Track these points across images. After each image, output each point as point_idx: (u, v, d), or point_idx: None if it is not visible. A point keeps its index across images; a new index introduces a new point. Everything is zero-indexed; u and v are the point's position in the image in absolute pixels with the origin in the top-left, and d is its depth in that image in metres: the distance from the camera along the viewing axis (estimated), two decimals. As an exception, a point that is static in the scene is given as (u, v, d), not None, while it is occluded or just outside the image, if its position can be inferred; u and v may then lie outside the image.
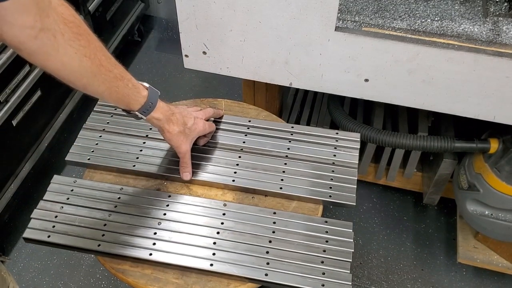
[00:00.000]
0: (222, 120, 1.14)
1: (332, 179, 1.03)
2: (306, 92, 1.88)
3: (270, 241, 0.93)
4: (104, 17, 2.11)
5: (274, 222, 0.96)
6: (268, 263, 0.89)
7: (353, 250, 0.91)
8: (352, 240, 0.93)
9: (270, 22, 1.15)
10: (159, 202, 0.99)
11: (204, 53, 1.27)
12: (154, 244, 0.92)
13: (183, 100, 1.23)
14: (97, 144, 1.09)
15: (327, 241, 0.93)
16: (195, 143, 1.05)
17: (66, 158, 1.07)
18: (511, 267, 1.56)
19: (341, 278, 0.87)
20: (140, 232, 0.94)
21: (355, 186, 1.02)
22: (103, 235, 0.93)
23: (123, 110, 0.92)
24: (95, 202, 0.98)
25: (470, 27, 1.14)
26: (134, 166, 1.05)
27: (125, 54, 2.45)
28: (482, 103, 1.16)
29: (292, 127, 1.13)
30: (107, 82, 0.82)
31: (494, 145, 1.35)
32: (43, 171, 1.82)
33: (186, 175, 1.02)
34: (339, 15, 1.14)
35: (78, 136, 1.11)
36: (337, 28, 1.12)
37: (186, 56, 1.30)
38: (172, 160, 1.06)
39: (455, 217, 1.71)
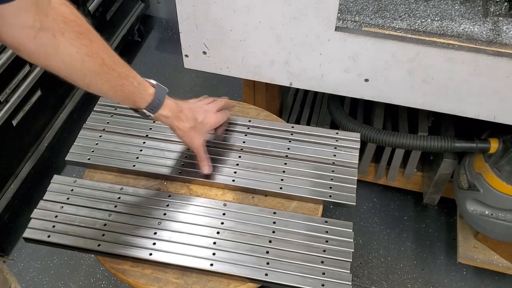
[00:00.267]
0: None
1: (332, 179, 1.03)
2: (306, 92, 1.88)
3: (270, 241, 0.93)
4: (104, 17, 2.11)
5: (274, 222, 0.96)
6: (268, 263, 0.89)
7: (353, 250, 0.92)
8: (352, 240, 0.93)
9: (270, 22, 1.15)
10: (159, 202, 0.99)
11: (204, 53, 1.27)
12: (154, 244, 0.92)
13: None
14: (97, 144, 1.09)
15: (327, 241, 0.93)
16: (215, 133, 1.07)
17: (66, 158, 1.07)
18: (511, 267, 1.56)
19: (341, 278, 0.87)
20: (140, 232, 0.94)
21: (355, 186, 1.02)
22: (103, 235, 0.93)
23: (131, 108, 0.91)
24: (95, 202, 0.98)
25: (470, 27, 1.14)
26: (134, 166, 1.05)
27: (125, 54, 2.45)
28: (482, 103, 1.16)
29: (292, 127, 1.13)
30: (111, 81, 0.82)
31: (494, 145, 1.35)
32: (43, 171, 1.82)
33: (206, 168, 1.02)
34: (339, 15, 1.14)
35: (78, 136, 1.11)
36: (337, 28, 1.12)
37: (186, 56, 1.30)
38: (172, 160, 1.06)
39: (455, 217, 1.70)
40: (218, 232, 0.94)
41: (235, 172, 1.04)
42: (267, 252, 0.91)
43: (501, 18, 1.15)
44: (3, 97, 1.53)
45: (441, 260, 1.73)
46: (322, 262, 0.90)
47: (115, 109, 1.16)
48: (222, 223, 0.96)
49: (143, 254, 0.90)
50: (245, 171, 1.04)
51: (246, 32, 1.19)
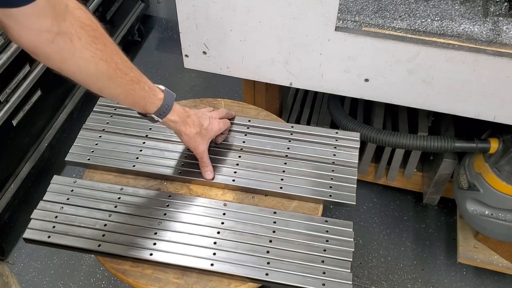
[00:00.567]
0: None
1: (332, 178, 1.03)
2: (306, 92, 1.88)
3: (270, 241, 0.93)
4: (104, 17, 2.11)
5: (275, 222, 0.96)
6: (268, 263, 0.89)
7: (353, 250, 0.91)
8: (352, 240, 0.93)
9: (270, 22, 1.15)
10: (159, 202, 0.99)
11: (204, 53, 1.27)
12: (154, 244, 0.92)
13: (183, 100, 1.22)
14: (97, 144, 1.09)
15: (327, 241, 0.93)
16: (214, 141, 1.07)
17: (66, 158, 1.07)
18: (511, 267, 1.56)
19: (341, 278, 0.87)
20: (141, 232, 0.94)
21: (355, 186, 1.02)
22: (103, 235, 0.93)
23: (139, 113, 0.92)
24: (95, 202, 0.98)
25: (470, 27, 1.14)
26: (134, 166, 1.05)
27: (125, 54, 2.44)
28: (482, 103, 1.16)
29: (292, 126, 1.13)
30: (123, 85, 0.82)
31: (494, 145, 1.35)
32: (43, 171, 1.82)
33: (208, 174, 1.02)
34: (339, 15, 1.14)
35: (78, 136, 1.11)
36: (337, 28, 1.12)
37: (186, 56, 1.30)
38: (172, 160, 1.06)
39: (455, 217, 1.71)
40: (218, 232, 0.94)
41: (235, 172, 1.04)
42: (268, 252, 0.91)
43: (501, 18, 1.15)
44: (3, 97, 1.53)
45: (441, 260, 1.73)
46: (323, 261, 0.90)
47: (115, 109, 1.16)
48: (223, 223, 0.96)
49: (144, 254, 0.90)
50: (245, 171, 1.04)
51: (246, 32, 1.19)
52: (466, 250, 1.58)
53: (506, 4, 1.18)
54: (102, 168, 1.06)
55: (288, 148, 1.08)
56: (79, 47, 0.71)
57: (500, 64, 1.08)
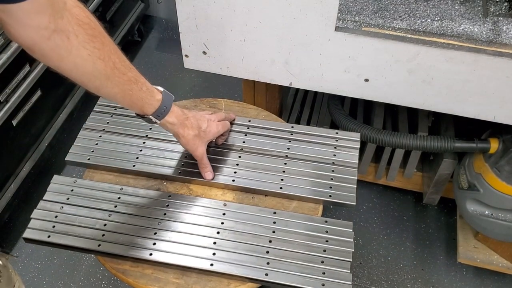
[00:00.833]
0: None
1: (332, 179, 1.03)
2: (306, 92, 1.88)
3: (270, 241, 0.93)
4: (104, 17, 2.11)
5: (274, 222, 0.96)
6: (268, 263, 0.89)
7: (353, 250, 0.92)
8: (352, 240, 0.93)
9: (270, 22, 1.15)
10: (159, 202, 0.99)
11: (204, 53, 1.27)
12: (154, 244, 0.92)
13: (183, 100, 1.23)
14: (97, 144, 1.09)
15: (327, 241, 0.93)
16: (214, 143, 1.07)
17: (66, 158, 1.07)
18: (511, 267, 1.56)
19: (341, 278, 0.87)
20: (140, 232, 0.94)
21: (355, 186, 1.02)
22: (103, 235, 0.93)
23: (137, 114, 0.92)
24: (95, 202, 0.98)
25: (470, 27, 1.14)
26: (134, 166, 1.05)
27: (125, 54, 2.44)
28: (482, 103, 1.16)
29: (292, 127, 1.13)
30: (121, 85, 0.82)
31: (494, 145, 1.35)
32: (43, 171, 1.82)
33: (208, 174, 1.02)
34: (339, 15, 1.14)
35: (78, 136, 1.11)
36: (337, 28, 1.12)
37: (186, 56, 1.30)
38: (172, 160, 1.06)
39: (455, 217, 1.71)
40: (218, 232, 0.94)
41: (235, 172, 1.04)
42: (267, 252, 0.91)
43: (501, 18, 1.15)
44: (3, 97, 1.53)
45: (441, 260, 1.73)
46: (322, 262, 0.90)
47: (115, 109, 1.16)
48: (222, 223, 0.96)
49: (143, 254, 0.90)
50: (245, 171, 1.04)
51: (246, 32, 1.19)
52: (466, 250, 1.58)
53: (506, 4, 1.18)
54: (102, 168, 1.06)
55: (288, 148, 1.08)
56: (76, 45, 0.71)
57: (500, 64, 1.08)
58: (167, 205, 0.98)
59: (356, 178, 1.03)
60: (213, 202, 0.99)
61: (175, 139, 1.04)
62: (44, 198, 0.99)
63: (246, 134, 1.12)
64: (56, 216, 0.96)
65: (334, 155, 1.07)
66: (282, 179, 1.02)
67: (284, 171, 1.04)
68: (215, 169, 1.04)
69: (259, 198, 1.02)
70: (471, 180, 1.41)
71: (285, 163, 1.06)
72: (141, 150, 1.07)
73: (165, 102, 0.91)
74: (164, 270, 0.91)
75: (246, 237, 0.93)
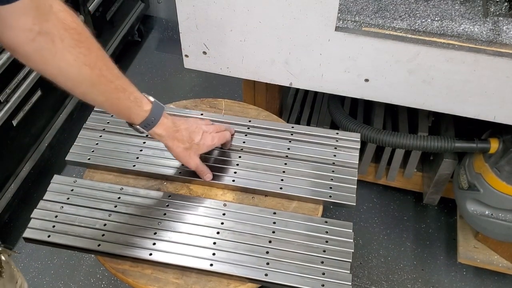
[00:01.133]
0: (223, 120, 1.14)
1: (332, 179, 1.03)
2: (306, 92, 1.88)
3: (270, 241, 0.92)
4: (104, 17, 2.11)
5: (274, 222, 0.95)
6: (268, 263, 0.89)
7: (353, 250, 0.91)
8: (352, 240, 0.93)
9: (270, 22, 1.15)
10: (159, 202, 0.99)
11: (204, 53, 1.27)
12: (154, 244, 0.92)
13: (183, 100, 1.23)
14: (97, 144, 1.09)
15: (327, 241, 0.93)
16: (221, 148, 1.07)
17: (66, 158, 1.07)
18: (511, 267, 1.56)
19: (341, 278, 0.87)
20: (140, 232, 0.94)
21: (355, 186, 1.02)
22: (103, 235, 0.93)
23: (126, 122, 0.91)
24: (95, 202, 0.98)
25: (470, 27, 1.14)
26: (134, 166, 1.05)
27: (125, 54, 2.45)
28: (482, 103, 1.16)
29: (292, 127, 1.13)
30: (108, 93, 0.81)
31: (494, 145, 1.35)
32: (43, 171, 1.82)
33: (208, 176, 1.01)
34: (339, 15, 1.14)
35: (78, 136, 1.11)
36: (337, 28, 1.12)
37: (186, 56, 1.30)
38: (172, 160, 1.06)
39: (455, 217, 1.70)
40: (218, 232, 0.94)
41: (235, 172, 1.04)
42: (267, 252, 0.91)
43: (501, 18, 1.15)
44: (3, 97, 1.53)
45: (441, 260, 1.73)
46: (322, 262, 0.90)
47: (115, 109, 1.16)
48: (222, 223, 0.96)
49: (143, 254, 0.90)
50: (245, 171, 1.04)
51: (246, 32, 1.19)
52: (466, 250, 1.58)
53: (506, 4, 1.18)
54: (102, 168, 1.06)
55: (288, 149, 1.08)
56: (61, 49, 0.71)
57: (500, 64, 1.08)
58: (167, 205, 0.98)
59: (356, 178, 1.03)
60: (213, 202, 0.99)
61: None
62: (44, 198, 0.99)
63: (246, 134, 1.12)
64: (56, 216, 0.96)
65: (334, 155, 1.07)
66: (282, 179, 1.02)
67: (284, 171, 1.04)
68: (215, 169, 1.04)
69: (259, 198, 1.02)
70: (471, 180, 1.41)
71: (285, 163, 1.06)
72: (141, 150, 1.07)
73: (154, 113, 0.89)
74: (163, 270, 0.91)
75: (246, 237, 0.93)
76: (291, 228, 0.95)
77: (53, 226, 0.94)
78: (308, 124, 1.75)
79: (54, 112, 1.87)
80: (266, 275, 0.88)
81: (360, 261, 1.72)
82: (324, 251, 0.91)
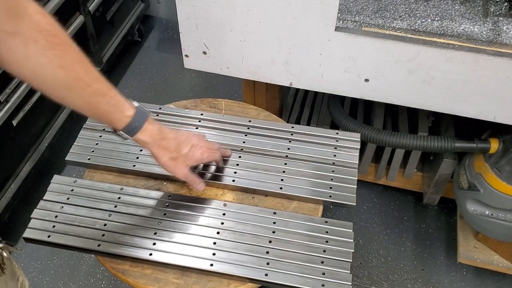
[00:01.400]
0: (223, 120, 1.14)
1: (332, 179, 1.03)
2: (306, 92, 1.88)
3: (270, 241, 0.92)
4: (104, 17, 2.11)
5: (274, 222, 0.95)
6: (268, 263, 0.89)
7: (353, 250, 0.91)
8: (352, 240, 0.93)
9: (270, 22, 1.15)
10: (159, 202, 0.99)
11: (204, 53, 1.27)
12: (154, 244, 0.92)
13: (183, 100, 1.23)
14: (97, 144, 1.09)
15: (327, 241, 0.93)
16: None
17: (66, 158, 1.07)
18: (511, 267, 1.56)
19: (341, 278, 0.87)
20: (140, 232, 0.94)
21: (355, 186, 1.02)
22: (103, 235, 0.93)
23: (111, 128, 0.88)
24: (95, 202, 0.98)
25: (470, 27, 1.14)
26: (134, 166, 1.05)
27: (125, 54, 2.45)
28: (482, 103, 1.16)
29: (292, 127, 1.13)
30: (86, 97, 0.79)
31: (494, 145, 1.35)
32: (43, 171, 1.82)
33: (200, 186, 0.99)
34: (339, 15, 1.14)
35: (78, 136, 1.11)
36: (337, 28, 1.12)
37: (186, 56, 1.30)
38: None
39: (455, 217, 1.70)
40: (218, 232, 0.94)
41: (235, 172, 1.04)
42: (267, 252, 0.91)
43: (501, 18, 1.15)
44: (3, 97, 1.53)
45: (441, 260, 1.73)
46: (322, 262, 0.90)
47: (115, 109, 1.16)
48: (222, 223, 0.96)
49: (143, 254, 0.90)
50: (245, 171, 1.04)
51: (246, 32, 1.19)
52: (466, 250, 1.58)
53: (506, 4, 1.18)
54: (102, 168, 1.06)
55: (288, 149, 1.08)
56: (34, 52, 0.70)
57: (500, 64, 1.08)
58: (167, 205, 0.98)
59: (356, 178, 1.03)
60: (213, 202, 0.99)
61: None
62: (44, 198, 0.99)
63: (246, 134, 1.12)
64: (56, 216, 0.96)
65: (334, 155, 1.07)
66: (282, 179, 1.02)
67: (284, 171, 1.04)
68: (215, 169, 1.04)
69: (259, 198, 1.02)
70: (471, 180, 1.41)
71: (285, 163, 1.06)
72: (141, 150, 1.07)
73: (136, 119, 0.85)
74: (164, 270, 0.91)
75: (246, 237, 0.93)
76: (291, 228, 0.95)
77: (53, 226, 0.94)
78: (308, 124, 1.75)
79: (54, 112, 1.87)
80: (266, 275, 0.88)
81: (360, 261, 1.72)
82: (324, 251, 0.91)
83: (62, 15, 1.75)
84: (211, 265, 0.89)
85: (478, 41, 1.10)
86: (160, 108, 1.16)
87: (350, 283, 0.87)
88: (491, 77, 1.10)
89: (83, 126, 1.13)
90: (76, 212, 0.97)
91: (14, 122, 1.61)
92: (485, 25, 1.14)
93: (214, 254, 0.91)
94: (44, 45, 0.70)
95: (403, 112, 1.63)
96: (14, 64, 0.71)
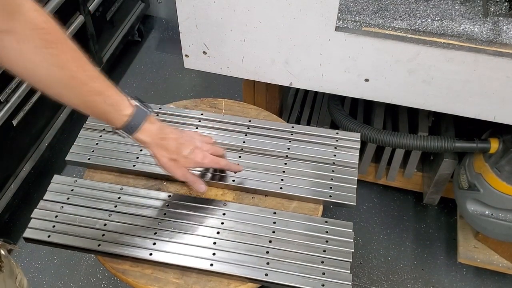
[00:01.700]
0: (223, 120, 1.14)
1: (332, 179, 1.03)
2: (306, 92, 1.88)
3: (270, 241, 0.92)
4: (104, 17, 2.11)
5: (274, 222, 0.95)
6: (268, 263, 0.89)
7: (353, 250, 0.91)
8: (352, 240, 0.93)
9: (270, 22, 1.15)
10: (159, 202, 0.99)
11: (204, 53, 1.27)
12: (154, 244, 0.92)
13: (183, 100, 1.23)
14: (97, 144, 1.09)
15: (327, 241, 0.93)
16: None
17: (66, 158, 1.07)
18: (511, 267, 1.56)
19: (341, 278, 0.87)
20: (140, 232, 0.94)
21: (355, 186, 1.02)
22: (103, 235, 0.93)
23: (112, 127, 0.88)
24: (95, 202, 0.98)
25: (471, 27, 1.14)
26: (134, 166, 1.05)
27: (125, 54, 2.45)
28: (482, 103, 1.16)
29: (293, 127, 1.13)
30: (81, 95, 0.78)
31: (494, 145, 1.35)
32: (43, 171, 1.82)
33: (201, 187, 0.97)
34: (339, 15, 1.14)
35: (78, 136, 1.11)
36: (337, 28, 1.12)
37: (186, 56, 1.30)
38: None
39: (455, 217, 1.70)
40: (218, 232, 0.94)
41: (235, 172, 1.04)
42: (267, 252, 0.91)
43: (501, 18, 1.15)
44: (3, 97, 1.53)
45: (441, 260, 1.73)
46: (322, 262, 0.90)
47: (115, 109, 1.16)
48: (222, 223, 0.96)
49: (143, 254, 0.90)
50: (245, 171, 1.04)
51: (246, 32, 1.19)
52: (466, 250, 1.58)
53: (506, 4, 1.18)
54: (102, 168, 1.06)
55: (289, 149, 1.08)
56: (28, 50, 0.69)
57: (500, 64, 1.08)
58: (167, 205, 0.98)
59: (356, 178, 1.03)
60: (213, 202, 0.99)
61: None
62: (44, 198, 0.99)
63: (246, 134, 1.12)
64: (56, 216, 0.96)
65: (334, 155, 1.07)
66: (282, 179, 1.02)
67: (284, 171, 1.04)
68: (215, 169, 1.04)
69: (259, 198, 1.02)
70: (471, 180, 1.41)
71: (285, 163, 1.06)
72: (141, 150, 1.07)
73: (135, 118, 0.84)
74: (164, 270, 0.91)
75: (246, 237, 0.93)
76: (291, 228, 0.95)
77: (53, 226, 0.94)
78: (308, 124, 1.75)
79: (54, 112, 1.87)
80: (266, 275, 0.88)
81: (360, 261, 1.72)
82: (324, 251, 0.91)
83: (62, 15, 1.75)
84: (211, 265, 0.89)
85: (478, 41, 1.11)
86: (160, 108, 1.16)
87: (350, 283, 0.87)
88: (491, 77, 1.10)
89: (83, 126, 1.13)
90: (76, 212, 0.96)
91: (14, 122, 1.61)
92: (485, 25, 1.14)
93: (214, 254, 0.91)
94: (39, 43, 0.70)
95: (403, 112, 1.63)
96: (8, 61, 0.71)
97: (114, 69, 2.35)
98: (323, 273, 0.88)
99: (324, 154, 1.07)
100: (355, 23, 1.15)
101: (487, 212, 1.41)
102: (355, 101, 1.74)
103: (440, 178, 1.54)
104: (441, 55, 1.10)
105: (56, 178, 1.03)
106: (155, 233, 0.93)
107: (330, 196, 1.00)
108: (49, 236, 0.93)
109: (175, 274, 0.90)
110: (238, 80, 1.43)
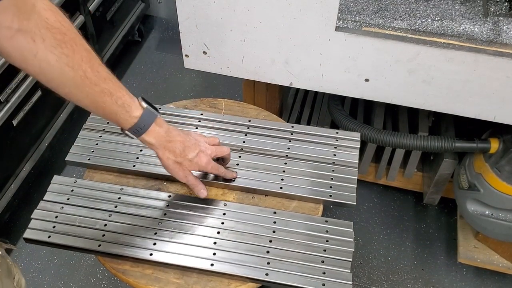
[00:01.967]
0: (223, 120, 1.14)
1: (332, 178, 1.03)
2: (306, 92, 1.88)
3: (270, 241, 0.92)
4: (104, 17, 2.11)
5: (275, 222, 0.95)
6: (268, 263, 0.89)
7: (353, 250, 0.91)
8: (352, 240, 0.93)
9: (270, 22, 1.15)
10: (159, 202, 0.99)
11: (205, 53, 1.27)
12: (154, 244, 0.92)
13: (183, 100, 1.23)
14: (97, 144, 1.09)
15: (327, 241, 0.93)
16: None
17: (66, 158, 1.07)
18: (512, 267, 1.56)
19: (341, 278, 0.87)
20: (141, 232, 0.94)
21: (355, 186, 1.02)
22: (103, 235, 0.93)
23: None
24: (95, 202, 0.98)
25: (471, 27, 1.14)
26: (134, 166, 1.05)
27: (125, 54, 2.45)
28: (482, 103, 1.16)
29: (292, 126, 1.13)
30: (92, 96, 0.78)
31: (494, 145, 1.35)
32: (43, 171, 1.82)
33: (202, 192, 0.98)
34: (339, 15, 1.14)
35: (78, 136, 1.11)
36: (337, 28, 1.12)
37: (186, 56, 1.30)
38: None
39: (455, 217, 1.71)
40: (218, 232, 0.94)
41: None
42: (268, 252, 0.91)
43: (501, 18, 1.15)
44: (3, 97, 1.53)
45: (441, 260, 1.73)
46: (323, 261, 0.90)
47: (115, 109, 1.16)
48: (223, 223, 0.96)
49: (144, 254, 0.90)
50: (245, 171, 1.04)
51: (246, 32, 1.19)
52: (466, 250, 1.58)
53: (506, 4, 1.18)
54: (102, 168, 1.06)
55: (289, 148, 1.08)
56: (42, 49, 0.69)
57: (500, 64, 1.08)
58: (168, 205, 0.98)
59: (356, 178, 1.03)
60: (213, 202, 0.99)
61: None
62: (44, 198, 0.99)
63: (246, 134, 1.12)
64: (56, 216, 0.96)
65: (335, 155, 1.07)
66: (282, 179, 1.02)
67: (284, 171, 1.04)
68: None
69: (259, 198, 1.02)
70: (472, 180, 1.41)
71: (286, 163, 1.06)
72: (141, 150, 1.07)
73: (144, 120, 0.85)
74: (164, 270, 0.91)
75: (247, 237, 0.93)
76: (291, 227, 0.95)
77: (54, 227, 0.94)
78: (308, 123, 1.75)
79: (54, 112, 1.87)
80: (266, 274, 0.88)
81: (360, 261, 1.72)
82: (325, 250, 0.91)
83: (62, 15, 1.74)
84: (212, 265, 0.89)
85: (478, 41, 1.11)
86: (160, 108, 1.16)
87: (351, 282, 0.87)
88: (491, 77, 1.10)
89: (83, 126, 1.13)
90: (76, 213, 0.96)
91: (14, 122, 1.61)
92: (485, 25, 1.14)
93: (214, 254, 0.91)
94: (52, 43, 0.70)
95: (403, 112, 1.63)
96: (21, 61, 0.71)
97: (114, 69, 2.34)
98: (324, 273, 0.88)
99: (324, 154, 1.07)
100: (355, 23, 1.15)
101: (487, 212, 1.41)
102: (355, 101, 1.74)
103: (440, 178, 1.54)
104: (441, 55, 1.10)
105: (56, 178, 1.03)
106: (156, 233, 0.93)
107: (330, 195, 1.00)
108: (49, 237, 0.93)
109: (176, 274, 0.90)
110: (238, 80, 1.43)
